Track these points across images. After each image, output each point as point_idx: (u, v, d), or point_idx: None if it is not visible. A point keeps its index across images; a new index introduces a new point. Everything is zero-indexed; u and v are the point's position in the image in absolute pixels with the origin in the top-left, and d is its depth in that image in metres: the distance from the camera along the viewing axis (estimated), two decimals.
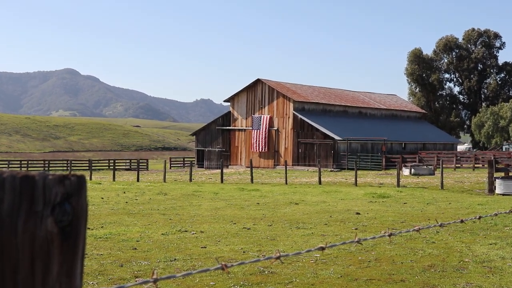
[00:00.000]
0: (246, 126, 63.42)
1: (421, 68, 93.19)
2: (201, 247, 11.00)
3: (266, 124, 61.20)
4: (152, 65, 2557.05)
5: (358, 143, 58.41)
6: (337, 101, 67.08)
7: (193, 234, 12.73)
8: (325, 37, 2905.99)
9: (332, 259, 9.68)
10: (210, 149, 65.89)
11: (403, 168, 42.69)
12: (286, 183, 33.03)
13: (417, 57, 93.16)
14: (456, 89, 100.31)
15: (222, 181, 35.31)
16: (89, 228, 13.43)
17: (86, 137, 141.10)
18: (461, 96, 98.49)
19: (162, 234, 12.72)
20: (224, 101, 66.38)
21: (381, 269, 9.03)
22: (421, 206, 19.30)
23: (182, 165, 70.26)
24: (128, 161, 67.62)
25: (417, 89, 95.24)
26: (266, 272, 8.74)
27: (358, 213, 16.76)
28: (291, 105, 60.48)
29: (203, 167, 64.85)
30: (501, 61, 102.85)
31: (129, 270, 8.99)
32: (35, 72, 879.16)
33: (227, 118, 65.55)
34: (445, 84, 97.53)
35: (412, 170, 42.17)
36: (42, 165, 62.11)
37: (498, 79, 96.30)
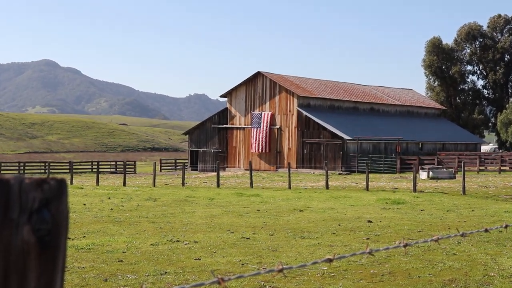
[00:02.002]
0: (245, 124, 63.47)
1: (440, 60, 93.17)
2: (195, 259, 11.01)
3: (267, 122, 61.24)
4: (140, 56, 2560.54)
5: (369, 143, 58.45)
6: (346, 96, 67.12)
7: (186, 244, 12.74)
8: (333, 26, 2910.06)
9: (340, 273, 9.68)
10: (204, 149, 65.94)
11: (420, 171, 42.72)
12: (290, 188, 33.06)
13: (436, 47, 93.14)
14: (480, 83, 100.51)
15: (218, 186, 35.38)
16: (69, 238, 13.43)
17: (66, 136, 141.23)
18: (485, 91, 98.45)
19: (152, 244, 12.73)
20: (221, 96, 66.45)
21: (396, 283, 9.03)
22: (440, 214, 19.32)
23: (173, 167, 70.38)
24: (113, 163, 67.70)
25: (436, 83, 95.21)
26: (267, 286, 8.75)
27: (370, 221, 16.78)
28: (295, 100, 60.52)
29: (197, 170, 64.90)
30: None
31: (114, 285, 8.99)
32: (8, 63, 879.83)
33: (223, 115, 65.61)
34: (468, 77, 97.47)
35: (430, 173, 42.22)
36: (17, 167, 62.07)
37: None
